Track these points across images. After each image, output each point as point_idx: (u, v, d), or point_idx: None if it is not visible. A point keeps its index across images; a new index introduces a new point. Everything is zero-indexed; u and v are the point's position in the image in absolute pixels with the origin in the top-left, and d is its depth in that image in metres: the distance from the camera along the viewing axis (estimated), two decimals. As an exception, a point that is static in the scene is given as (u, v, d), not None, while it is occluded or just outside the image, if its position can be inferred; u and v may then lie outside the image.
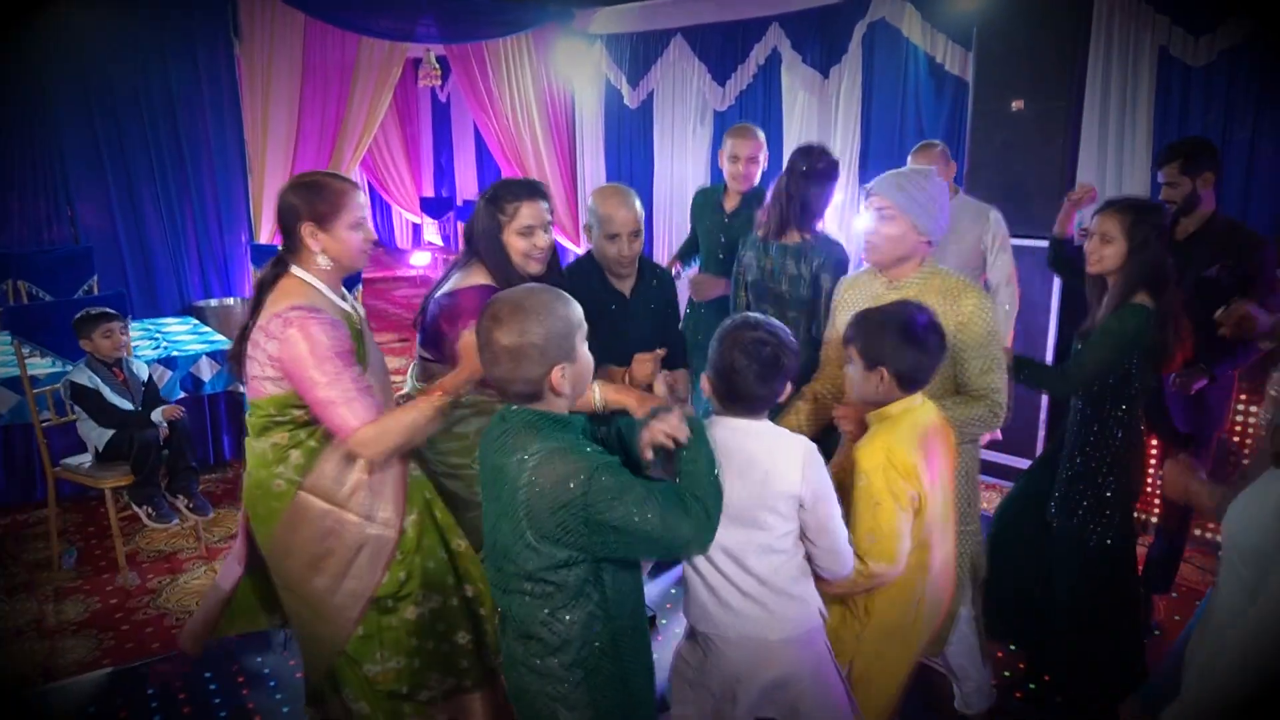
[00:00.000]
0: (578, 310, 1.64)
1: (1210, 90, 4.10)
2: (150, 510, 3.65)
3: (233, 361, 2.14)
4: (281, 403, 2.03)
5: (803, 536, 1.82)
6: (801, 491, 1.74)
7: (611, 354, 2.58)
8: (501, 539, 1.62)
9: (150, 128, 5.89)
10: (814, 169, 2.93)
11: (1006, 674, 2.92)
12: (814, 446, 1.79)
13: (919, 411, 1.95)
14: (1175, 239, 3.03)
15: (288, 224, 2.04)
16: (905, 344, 1.90)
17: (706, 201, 3.77)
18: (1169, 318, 2.43)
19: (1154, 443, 3.39)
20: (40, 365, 4.09)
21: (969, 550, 2.39)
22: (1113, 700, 2.72)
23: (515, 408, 1.63)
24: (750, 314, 1.84)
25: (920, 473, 1.88)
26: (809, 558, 1.84)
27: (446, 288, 2.40)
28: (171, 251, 6.10)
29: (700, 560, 1.83)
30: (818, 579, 1.86)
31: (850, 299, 2.47)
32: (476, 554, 2.27)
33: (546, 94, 7.57)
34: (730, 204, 3.66)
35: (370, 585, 2.08)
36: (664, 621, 3.26)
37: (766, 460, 1.76)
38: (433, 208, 11.41)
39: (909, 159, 3.88)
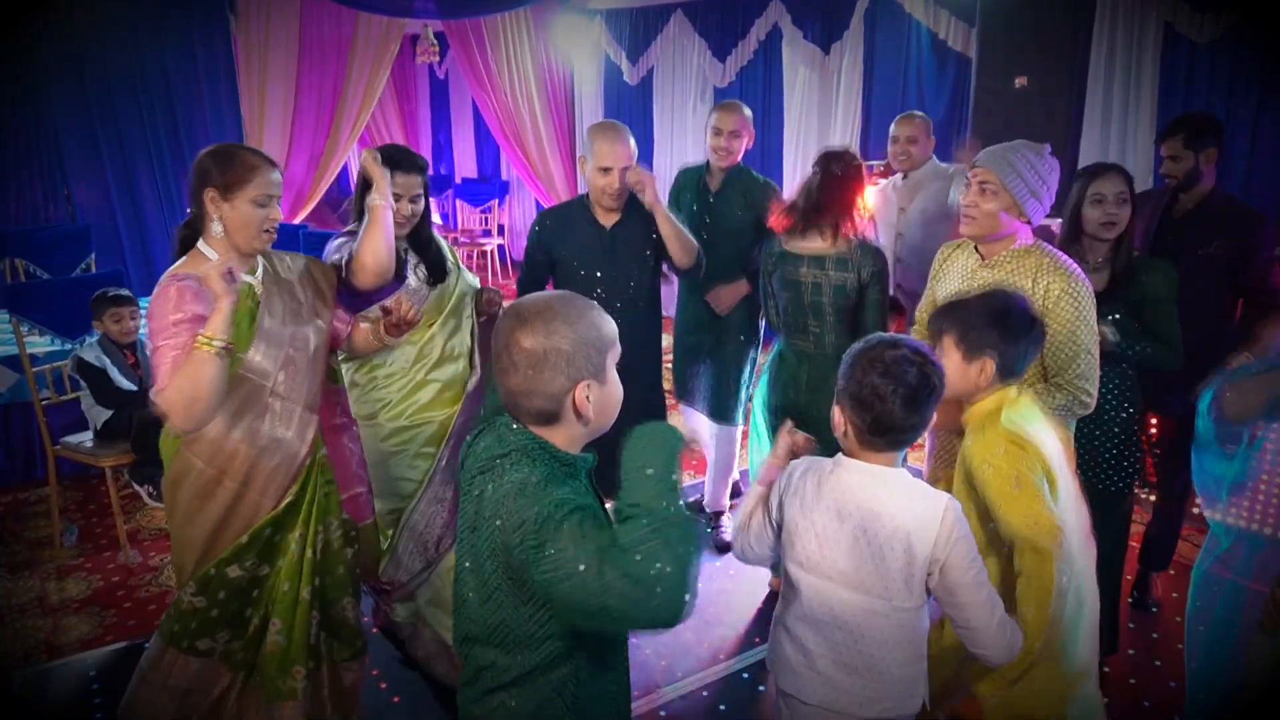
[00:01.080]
0: (612, 327, 1.43)
1: (1215, 68, 4.07)
2: (151, 489, 3.65)
3: None
4: None
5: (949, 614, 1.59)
6: (935, 553, 1.54)
7: (590, 288, 2.88)
8: (467, 585, 1.40)
9: (146, 106, 5.86)
10: (847, 170, 2.88)
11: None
12: (958, 505, 1.58)
13: (1020, 401, 1.86)
14: (1174, 216, 3.01)
15: (194, 187, 2.06)
16: (1010, 333, 1.80)
17: (688, 182, 3.59)
18: None
19: (1153, 422, 3.39)
20: (39, 343, 4.08)
21: None
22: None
23: (515, 426, 1.39)
24: (885, 333, 1.67)
25: (1042, 451, 1.77)
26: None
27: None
28: (169, 229, 6.06)
29: (794, 621, 1.65)
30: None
31: (945, 271, 2.42)
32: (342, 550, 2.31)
33: (546, 70, 7.51)
34: (714, 183, 3.48)
35: (225, 543, 2.13)
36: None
37: (897, 515, 1.56)
38: (431, 185, 11.27)
39: (892, 127, 3.80)
